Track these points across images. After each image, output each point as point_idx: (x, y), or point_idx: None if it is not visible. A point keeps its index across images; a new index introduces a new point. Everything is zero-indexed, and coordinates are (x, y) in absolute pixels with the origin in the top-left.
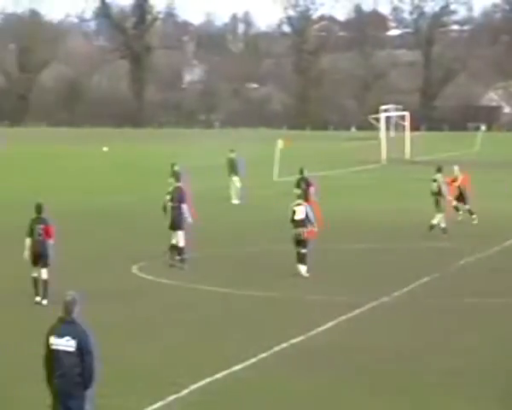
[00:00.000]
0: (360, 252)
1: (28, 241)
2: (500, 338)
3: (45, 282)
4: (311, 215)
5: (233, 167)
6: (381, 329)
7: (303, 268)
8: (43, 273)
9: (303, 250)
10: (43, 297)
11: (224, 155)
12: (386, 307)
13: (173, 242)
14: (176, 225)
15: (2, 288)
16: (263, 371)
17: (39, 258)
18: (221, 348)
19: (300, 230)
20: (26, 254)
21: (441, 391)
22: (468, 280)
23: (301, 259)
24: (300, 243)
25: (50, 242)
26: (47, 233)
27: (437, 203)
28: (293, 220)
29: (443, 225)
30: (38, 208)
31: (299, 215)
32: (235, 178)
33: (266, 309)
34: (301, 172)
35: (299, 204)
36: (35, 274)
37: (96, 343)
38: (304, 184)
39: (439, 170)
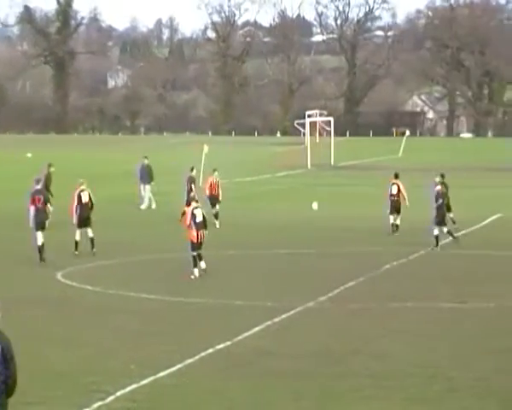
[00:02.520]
0: (286, 257)
1: None
2: (417, 342)
3: None
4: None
5: (146, 174)
6: (305, 334)
7: (203, 263)
8: None
9: (196, 253)
10: None
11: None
12: (311, 312)
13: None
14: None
15: None
16: (189, 378)
17: None
18: (146, 355)
19: (203, 231)
20: None
21: (363, 395)
22: (391, 285)
23: (201, 258)
24: (202, 245)
25: None
26: None
27: (395, 205)
28: (195, 223)
29: (398, 222)
30: None
31: (199, 218)
32: (148, 186)
33: (192, 315)
34: (191, 170)
35: (197, 207)
36: None
37: (17, 350)
38: (190, 183)
39: (396, 176)
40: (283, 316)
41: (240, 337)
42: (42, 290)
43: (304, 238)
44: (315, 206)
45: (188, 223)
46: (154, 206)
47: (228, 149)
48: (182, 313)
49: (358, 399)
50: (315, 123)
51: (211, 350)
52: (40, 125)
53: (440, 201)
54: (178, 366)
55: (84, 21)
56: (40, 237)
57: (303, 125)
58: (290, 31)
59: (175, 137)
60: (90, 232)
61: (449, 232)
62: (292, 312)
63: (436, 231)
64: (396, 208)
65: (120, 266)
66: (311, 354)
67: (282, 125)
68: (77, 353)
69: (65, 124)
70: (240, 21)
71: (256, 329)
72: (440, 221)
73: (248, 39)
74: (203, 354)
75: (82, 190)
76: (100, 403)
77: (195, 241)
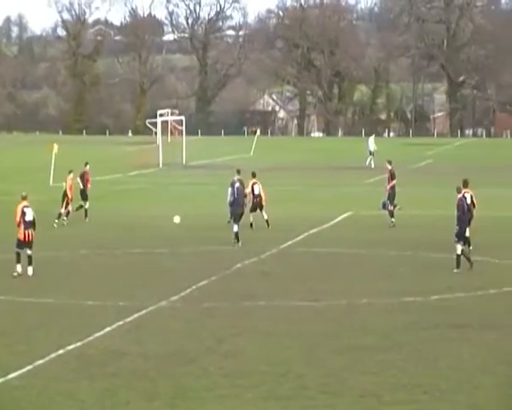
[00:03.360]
0: (138, 256)
1: None
2: (269, 341)
3: None
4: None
5: None
6: (158, 333)
7: (30, 269)
8: None
9: (30, 252)
10: None
11: None
12: (164, 312)
13: None
14: None
15: None
16: (39, 379)
17: None
18: None
19: (31, 231)
20: None
21: (217, 393)
22: (243, 283)
23: (31, 260)
24: (30, 244)
25: None
26: None
27: (259, 204)
28: (24, 221)
29: (251, 219)
30: None
31: (29, 217)
32: None
33: (42, 315)
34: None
35: (28, 206)
36: None
37: None
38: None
39: (254, 175)
40: (135, 316)
41: (91, 338)
42: None
43: (156, 238)
44: (177, 219)
45: (18, 220)
46: None
47: (79, 149)
48: (31, 314)
49: (212, 398)
50: (166, 122)
51: (61, 351)
52: None
53: (232, 198)
54: (28, 367)
55: None
56: None
57: (154, 125)
58: (141, 30)
59: (24, 136)
60: None
61: (236, 233)
62: (144, 311)
63: (236, 228)
64: (260, 206)
65: None
66: (164, 353)
67: (134, 125)
68: None
69: None
70: (90, 20)
71: (108, 329)
72: (236, 218)
73: (99, 38)
74: (53, 355)
75: None
76: None
77: (22, 239)
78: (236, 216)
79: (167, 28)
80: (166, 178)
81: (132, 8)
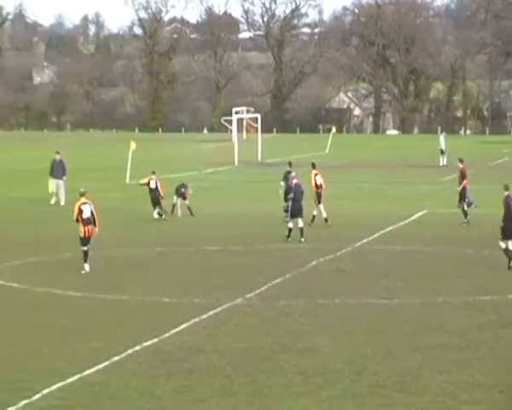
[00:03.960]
0: (213, 253)
1: None
2: (345, 338)
3: None
4: (94, 214)
5: (59, 169)
6: (234, 330)
7: (87, 266)
8: None
9: (86, 248)
10: None
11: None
12: (240, 309)
13: None
14: None
15: None
16: (116, 375)
17: None
18: (73, 353)
19: (88, 228)
20: None
21: (292, 391)
22: (318, 281)
23: (87, 256)
24: (88, 240)
25: None
26: None
27: (322, 196)
28: (82, 219)
29: (324, 215)
30: None
31: (87, 214)
32: (61, 181)
33: (119, 312)
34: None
35: (85, 203)
36: None
37: None
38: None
39: (313, 166)
40: (211, 313)
41: (167, 334)
42: None
43: (231, 235)
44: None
45: (75, 218)
46: (62, 202)
47: (155, 146)
48: (108, 310)
49: (287, 395)
50: (242, 120)
51: (138, 347)
52: None
53: (292, 194)
54: (105, 363)
55: (10, 17)
56: None
57: (230, 122)
58: (217, 27)
59: (101, 133)
60: None
61: (290, 230)
62: (219, 309)
63: (291, 224)
64: (321, 199)
65: (47, 264)
66: (240, 350)
67: (210, 122)
68: (3, 351)
69: None
70: (166, 18)
71: (184, 326)
72: (294, 214)
73: (175, 36)
74: (130, 351)
75: None
76: (26, 401)
77: (83, 236)
78: (294, 212)
79: (243, 26)
80: (242, 176)
81: (208, 7)
